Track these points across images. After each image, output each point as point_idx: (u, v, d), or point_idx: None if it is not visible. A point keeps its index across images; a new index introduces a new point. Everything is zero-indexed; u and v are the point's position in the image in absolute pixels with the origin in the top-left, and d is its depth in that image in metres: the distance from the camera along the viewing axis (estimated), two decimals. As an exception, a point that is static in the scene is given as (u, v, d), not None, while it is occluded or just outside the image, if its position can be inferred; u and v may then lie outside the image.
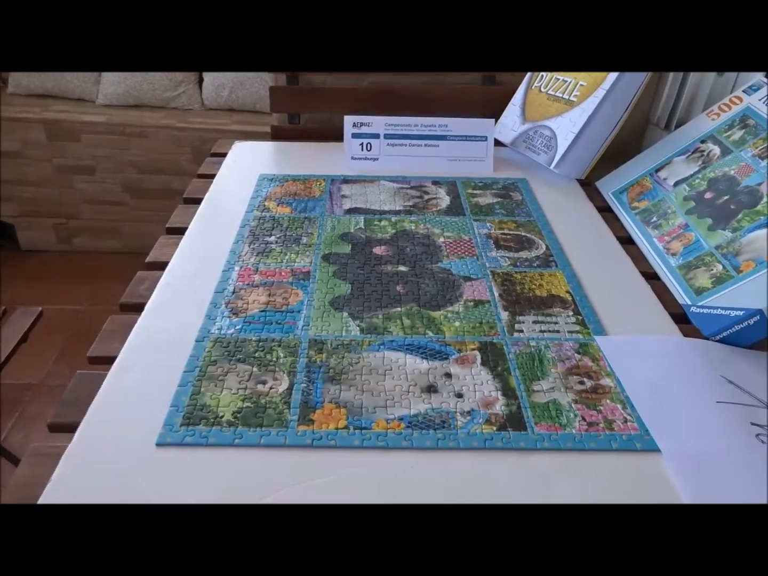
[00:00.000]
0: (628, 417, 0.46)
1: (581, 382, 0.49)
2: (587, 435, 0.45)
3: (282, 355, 0.51)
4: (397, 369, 0.50)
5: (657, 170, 0.76)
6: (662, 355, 0.53)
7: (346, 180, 0.81)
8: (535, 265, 0.64)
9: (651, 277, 0.65)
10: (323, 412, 0.46)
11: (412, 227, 0.70)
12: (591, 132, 0.80)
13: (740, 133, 0.71)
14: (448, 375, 0.49)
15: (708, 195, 0.68)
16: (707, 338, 0.56)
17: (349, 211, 0.73)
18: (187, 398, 0.46)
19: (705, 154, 0.73)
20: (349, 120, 0.84)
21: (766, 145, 0.68)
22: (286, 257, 0.64)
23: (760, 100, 0.72)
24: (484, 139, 0.84)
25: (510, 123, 0.89)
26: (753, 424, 0.47)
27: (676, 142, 0.77)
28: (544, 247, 0.68)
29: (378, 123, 0.84)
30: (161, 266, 0.64)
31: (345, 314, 0.56)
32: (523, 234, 0.70)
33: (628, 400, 0.48)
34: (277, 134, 0.97)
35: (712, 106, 0.77)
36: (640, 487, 0.41)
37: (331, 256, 0.64)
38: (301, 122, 0.99)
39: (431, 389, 0.48)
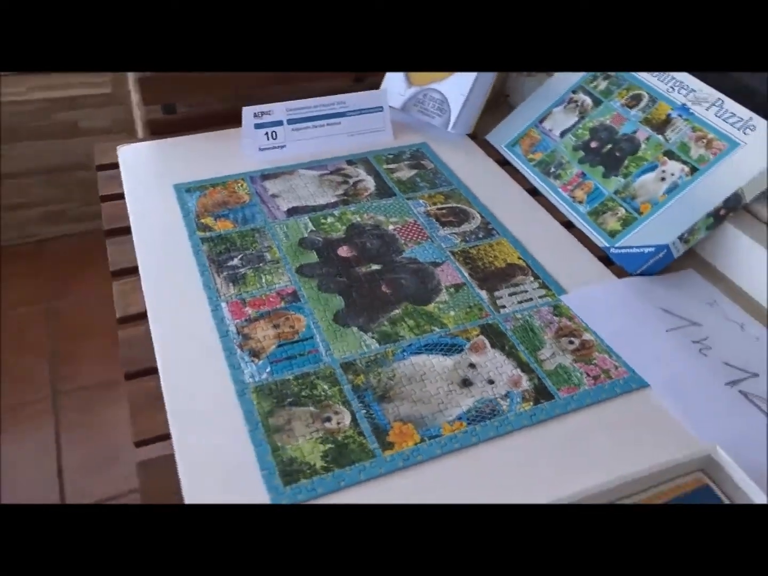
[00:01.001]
0: (616, 363, 0.59)
1: (571, 342, 0.60)
2: (597, 388, 0.56)
3: (326, 387, 0.54)
4: (429, 372, 0.56)
5: (541, 121, 0.87)
6: (615, 299, 0.66)
7: (265, 175, 0.80)
8: (481, 236, 0.73)
9: (567, 225, 0.77)
10: (395, 431, 0.51)
11: (358, 219, 0.74)
12: (477, 90, 0.87)
13: (605, 84, 0.83)
14: (472, 365, 0.57)
15: (593, 144, 0.81)
16: (632, 274, 0.70)
17: (290, 213, 0.74)
18: (271, 457, 0.49)
19: (579, 104, 0.84)
20: (248, 111, 0.82)
21: (630, 95, 0.81)
22: (263, 280, 0.65)
23: (614, 51, 0.84)
24: (381, 109, 0.88)
25: (396, 88, 0.92)
26: (693, 342, 0.62)
27: (550, 92, 0.88)
28: (478, 215, 0.76)
29: (279, 110, 0.83)
30: (136, 319, 0.62)
31: (355, 329, 0.60)
32: (455, 206, 0.77)
33: (609, 349, 0.60)
34: (156, 129, 0.90)
35: (573, 57, 0.88)
36: (649, 419, 0.54)
37: (304, 269, 0.67)
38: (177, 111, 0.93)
39: (466, 383, 0.56)
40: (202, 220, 0.72)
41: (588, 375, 0.57)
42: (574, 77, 0.86)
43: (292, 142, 0.84)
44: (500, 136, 0.90)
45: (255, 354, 0.57)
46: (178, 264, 0.66)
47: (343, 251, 0.69)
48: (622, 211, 0.74)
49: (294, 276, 0.65)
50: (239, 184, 0.78)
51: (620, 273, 0.70)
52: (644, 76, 0.80)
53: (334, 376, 0.55)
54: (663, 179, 0.73)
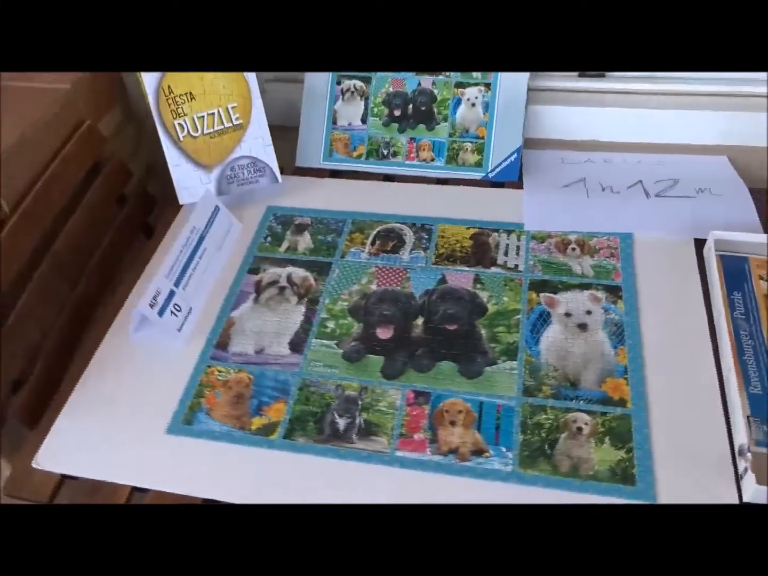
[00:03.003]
0: (605, 238, 0.78)
1: (573, 249, 0.77)
2: (622, 260, 0.75)
3: (545, 415, 0.62)
4: (562, 342, 0.68)
5: (334, 123, 0.92)
6: (541, 203, 0.83)
7: (217, 344, 0.72)
8: (427, 237, 0.80)
9: (444, 182, 0.89)
10: (611, 390, 0.63)
11: (345, 304, 0.74)
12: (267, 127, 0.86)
13: (358, 62, 0.91)
14: (568, 314, 0.70)
15: (396, 112, 0.91)
16: (516, 181, 0.87)
17: (295, 350, 0.70)
18: (616, 486, 0.57)
19: (352, 89, 0.91)
20: (141, 310, 0.69)
21: (387, 59, 0.91)
22: (384, 408, 0.64)
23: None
24: (218, 210, 0.82)
25: (195, 182, 0.85)
26: (603, 189, 0.84)
27: (314, 96, 0.92)
28: (401, 225, 0.82)
29: (161, 282, 0.72)
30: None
31: (487, 369, 0.66)
32: (376, 232, 0.82)
33: (591, 233, 0.78)
34: (32, 417, 0.69)
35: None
36: (660, 248, 0.75)
37: (387, 372, 0.67)
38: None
39: (583, 327, 0.69)
40: (252, 427, 0.64)
41: (607, 257, 0.75)
42: (323, 77, 0.91)
43: (194, 299, 0.75)
44: (308, 157, 0.92)
45: (479, 452, 0.60)
46: (313, 478, 0.61)
47: (383, 333, 0.71)
48: (469, 145, 0.88)
49: (392, 384, 0.66)
50: (216, 373, 0.69)
51: (512, 185, 0.87)
52: (384, 39, 0.90)
53: (534, 405, 0.63)
54: (473, 105, 0.89)
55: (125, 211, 0.88)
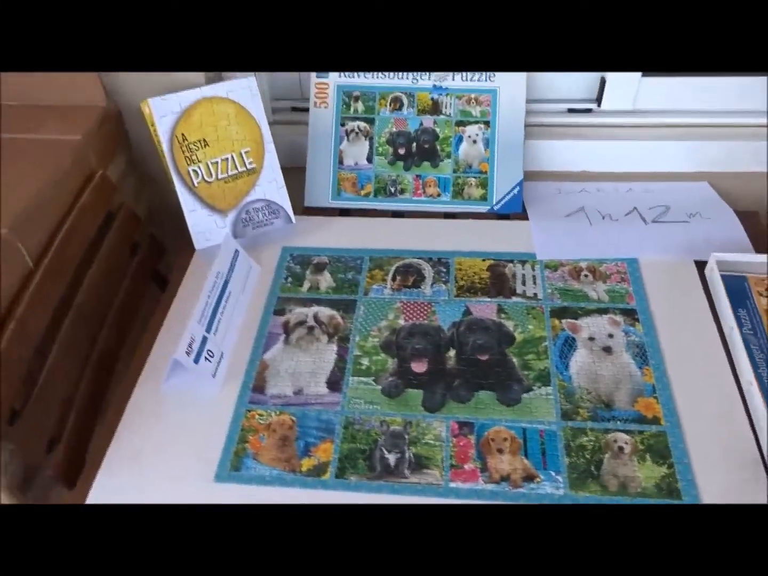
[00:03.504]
0: (615, 264, 0.82)
1: (586, 275, 0.81)
2: (633, 284, 0.79)
3: (586, 438, 0.65)
4: (590, 365, 0.71)
5: (340, 163, 0.94)
6: (550, 233, 0.87)
7: (255, 387, 0.72)
8: (444, 270, 0.83)
9: (452, 217, 0.92)
10: (643, 409, 0.67)
11: (375, 340, 0.76)
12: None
13: (360, 104, 0.94)
14: (591, 338, 0.74)
15: (401, 151, 0.94)
16: (521, 211, 0.92)
17: (333, 388, 0.71)
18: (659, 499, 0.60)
19: (356, 131, 0.94)
20: (179, 359, 0.69)
21: (389, 101, 0.94)
22: (431, 439, 0.66)
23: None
24: (238, 253, 0.83)
25: (211, 226, 0.86)
26: (602, 217, 0.89)
27: (320, 135, 0.94)
28: (423, 262, 0.85)
29: (194, 329, 0.72)
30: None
31: (524, 396, 0.69)
32: (397, 267, 0.84)
33: (601, 260, 0.83)
34: (67, 474, 0.68)
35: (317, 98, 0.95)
36: (665, 269, 0.80)
37: (427, 404, 0.69)
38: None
39: (608, 350, 0.73)
40: (303, 469, 0.65)
41: (618, 282, 0.80)
42: (326, 114, 0.94)
43: (223, 344, 0.75)
44: (317, 197, 0.94)
45: (530, 478, 0.63)
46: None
47: (418, 367, 0.73)
48: (473, 180, 0.92)
49: (435, 416, 0.68)
50: (257, 417, 0.69)
51: (517, 216, 0.91)
52: (385, 82, 0.94)
53: (574, 428, 0.66)
54: (475, 141, 0.93)
55: (138, 258, 0.88)
